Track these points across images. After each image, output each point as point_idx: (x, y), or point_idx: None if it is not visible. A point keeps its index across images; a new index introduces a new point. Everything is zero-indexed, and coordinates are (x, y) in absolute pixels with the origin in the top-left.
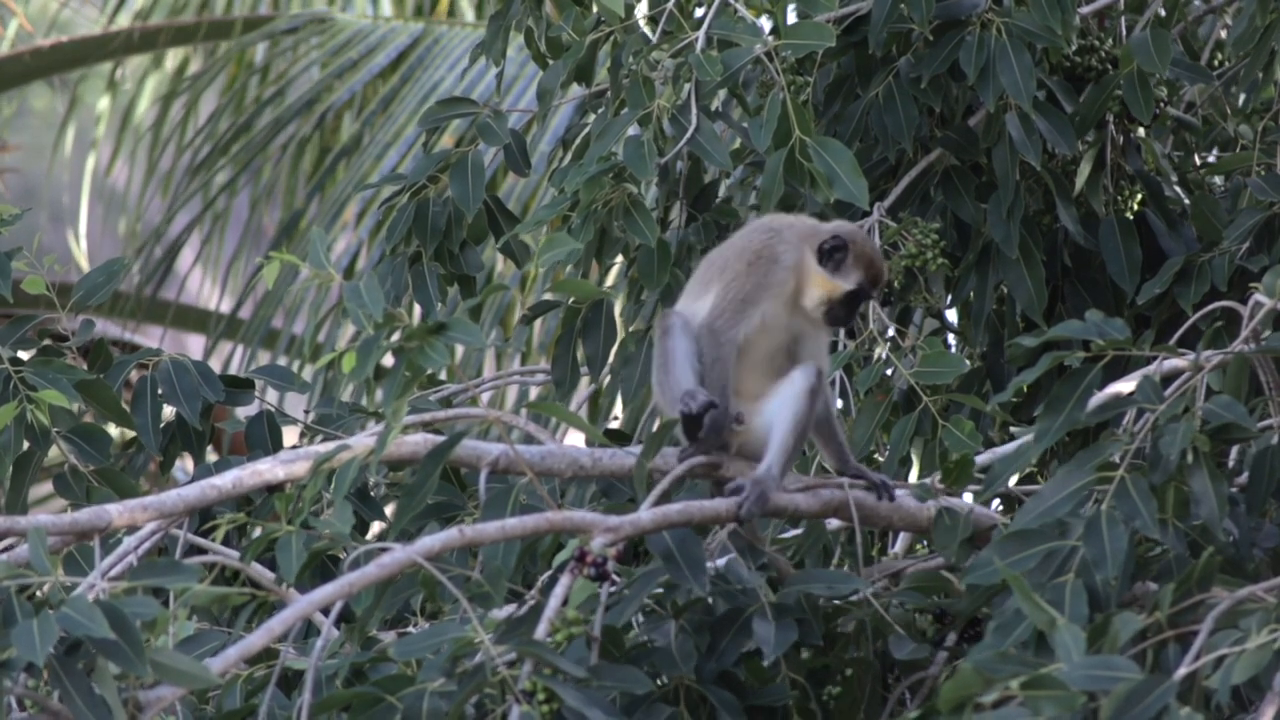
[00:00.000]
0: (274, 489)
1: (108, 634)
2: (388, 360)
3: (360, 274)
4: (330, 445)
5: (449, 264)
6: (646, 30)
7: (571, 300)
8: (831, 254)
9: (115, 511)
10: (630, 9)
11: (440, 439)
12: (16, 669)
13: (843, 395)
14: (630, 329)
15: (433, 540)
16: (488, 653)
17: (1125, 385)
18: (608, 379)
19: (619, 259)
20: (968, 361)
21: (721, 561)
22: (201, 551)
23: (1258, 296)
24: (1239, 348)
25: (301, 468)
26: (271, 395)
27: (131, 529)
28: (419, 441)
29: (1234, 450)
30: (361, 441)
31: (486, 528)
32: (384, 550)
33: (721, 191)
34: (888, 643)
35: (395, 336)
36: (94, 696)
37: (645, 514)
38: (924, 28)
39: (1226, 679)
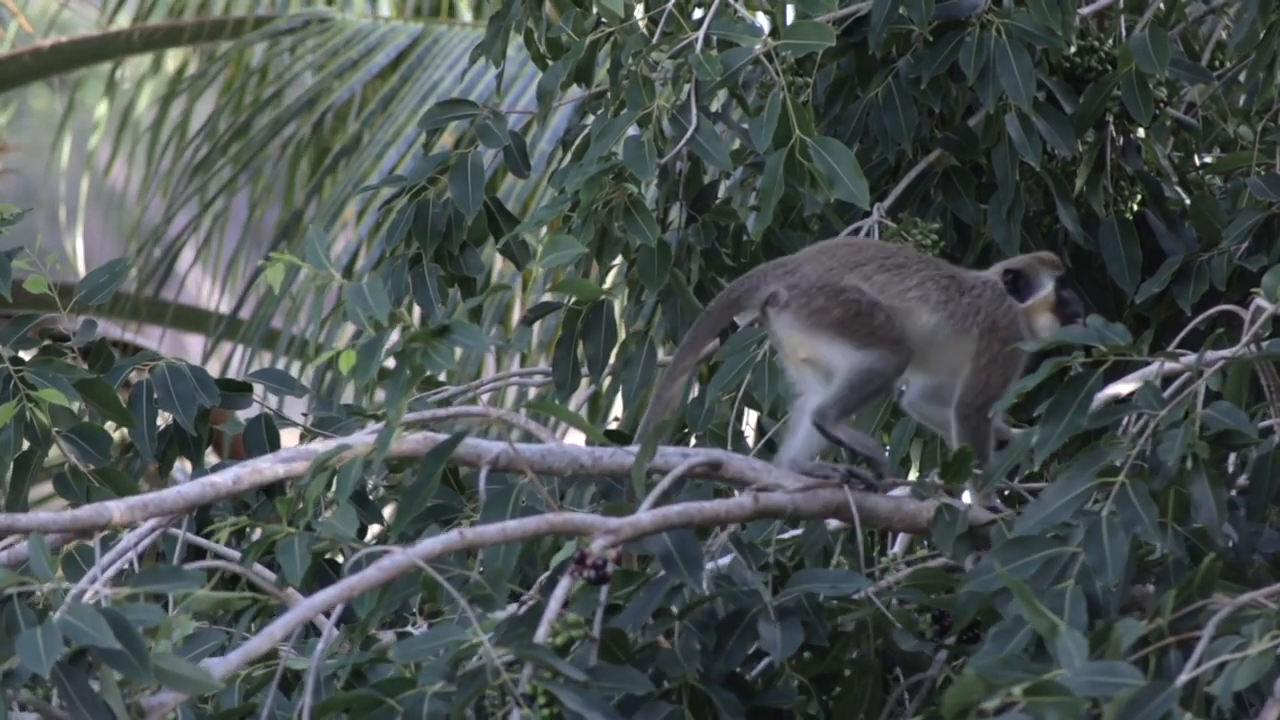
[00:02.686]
0: (271, 493)
1: (113, 644)
2: (388, 362)
3: (360, 274)
4: (331, 443)
5: (449, 266)
6: (646, 31)
7: (572, 301)
8: (1017, 287)
9: (115, 508)
10: (630, 9)
11: (441, 437)
12: (21, 679)
13: None
14: (631, 330)
15: (433, 543)
16: (488, 656)
17: (1124, 387)
18: (608, 380)
19: (619, 259)
20: None
21: (724, 560)
22: (200, 553)
23: (1259, 301)
24: (1240, 352)
25: (301, 466)
26: (270, 398)
27: (131, 526)
28: (420, 440)
29: (1232, 455)
30: (362, 440)
31: (487, 530)
32: (385, 553)
33: (721, 192)
34: (891, 637)
35: (397, 338)
36: (96, 702)
37: (645, 515)
38: (923, 28)
39: (1228, 685)
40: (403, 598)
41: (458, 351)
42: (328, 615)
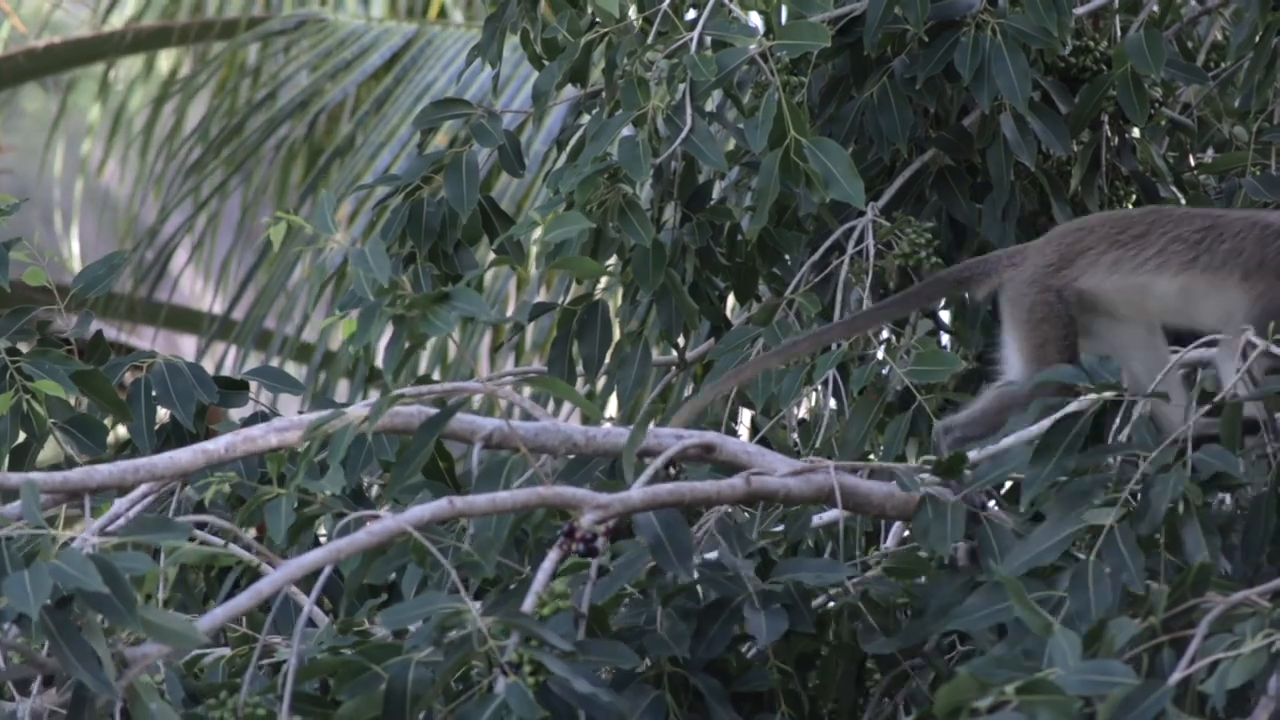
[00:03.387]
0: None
1: (100, 587)
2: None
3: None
4: (324, 412)
5: (443, 265)
6: (641, 31)
7: (567, 301)
8: None
9: (105, 470)
10: (624, 9)
11: (435, 411)
12: (7, 619)
13: (836, 395)
14: (625, 330)
15: (422, 510)
16: (475, 622)
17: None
18: (602, 381)
19: (614, 259)
20: (963, 361)
21: (712, 555)
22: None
23: (1250, 337)
24: (1230, 391)
25: (295, 435)
26: (265, 397)
27: (122, 490)
28: (413, 413)
29: (1227, 496)
30: (356, 411)
31: (476, 500)
32: (374, 518)
33: (716, 192)
34: (869, 621)
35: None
36: (84, 648)
37: (636, 492)
38: (919, 29)
39: (1222, 683)
40: (391, 569)
41: (452, 350)
42: (308, 593)
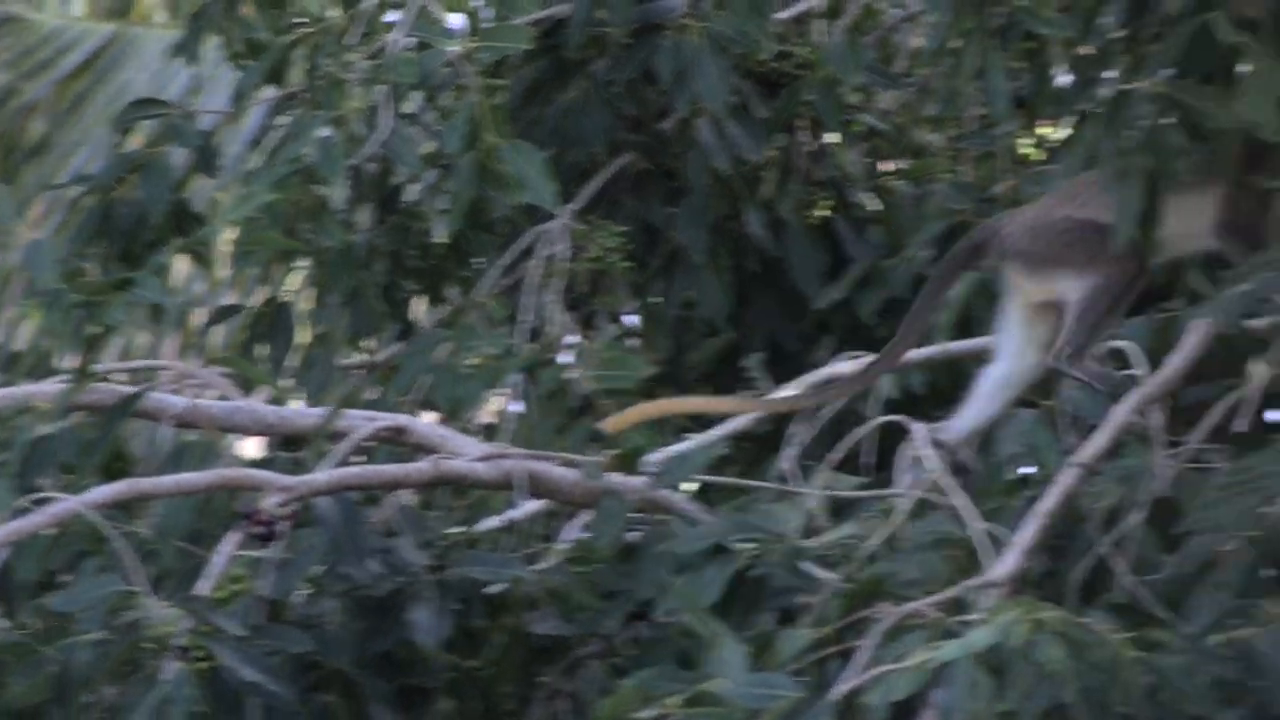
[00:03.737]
0: None
1: None
2: None
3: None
4: (16, 390)
5: (134, 266)
6: (342, 31)
7: (254, 304)
8: None
9: None
10: (325, 9)
11: (126, 390)
12: None
13: (525, 398)
14: (315, 333)
15: (103, 491)
16: (144, 605)
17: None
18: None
19: (307, 261)
20: (650, 366)
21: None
22: None
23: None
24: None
25: None
26: None
27: None
28: (104, 392)
29: None
30: (43, 390)
31: (160, 481)
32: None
33: (412, 194)
34: (532, 618)
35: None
36: None
37: (321, 475)
38: (621, 32)
39: (885, 696)
40: (71, 554)
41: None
42: None
